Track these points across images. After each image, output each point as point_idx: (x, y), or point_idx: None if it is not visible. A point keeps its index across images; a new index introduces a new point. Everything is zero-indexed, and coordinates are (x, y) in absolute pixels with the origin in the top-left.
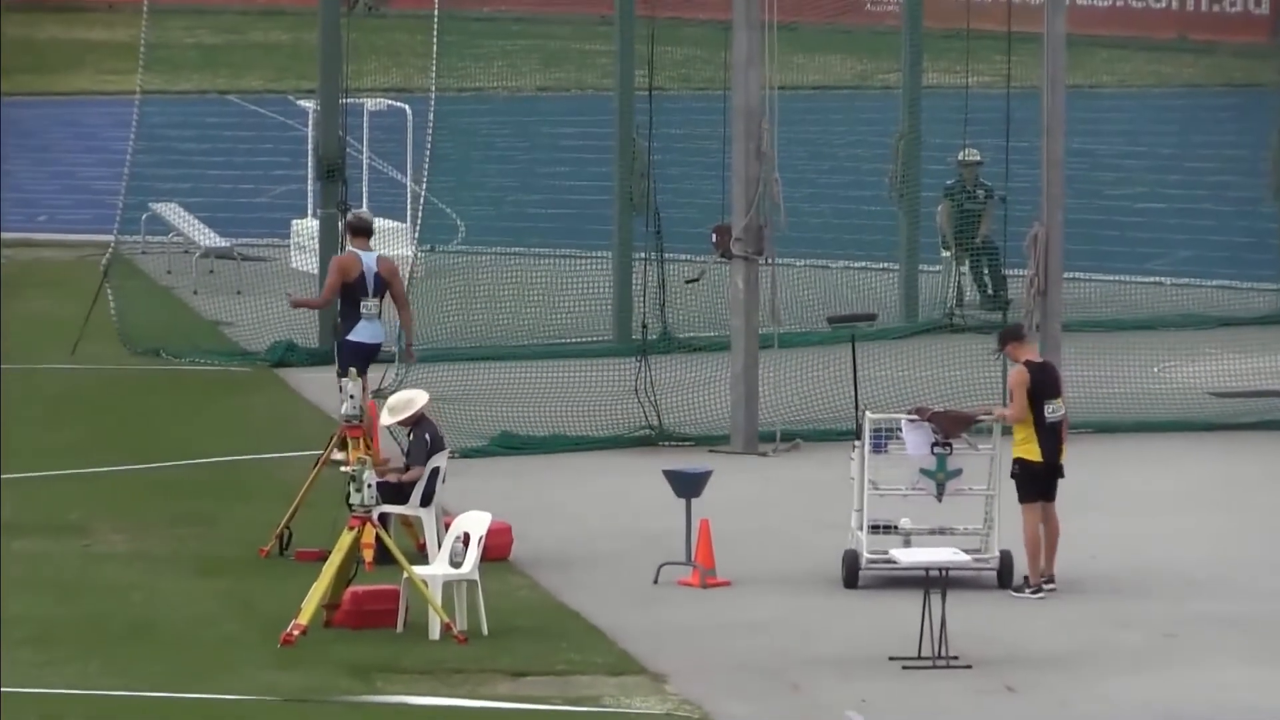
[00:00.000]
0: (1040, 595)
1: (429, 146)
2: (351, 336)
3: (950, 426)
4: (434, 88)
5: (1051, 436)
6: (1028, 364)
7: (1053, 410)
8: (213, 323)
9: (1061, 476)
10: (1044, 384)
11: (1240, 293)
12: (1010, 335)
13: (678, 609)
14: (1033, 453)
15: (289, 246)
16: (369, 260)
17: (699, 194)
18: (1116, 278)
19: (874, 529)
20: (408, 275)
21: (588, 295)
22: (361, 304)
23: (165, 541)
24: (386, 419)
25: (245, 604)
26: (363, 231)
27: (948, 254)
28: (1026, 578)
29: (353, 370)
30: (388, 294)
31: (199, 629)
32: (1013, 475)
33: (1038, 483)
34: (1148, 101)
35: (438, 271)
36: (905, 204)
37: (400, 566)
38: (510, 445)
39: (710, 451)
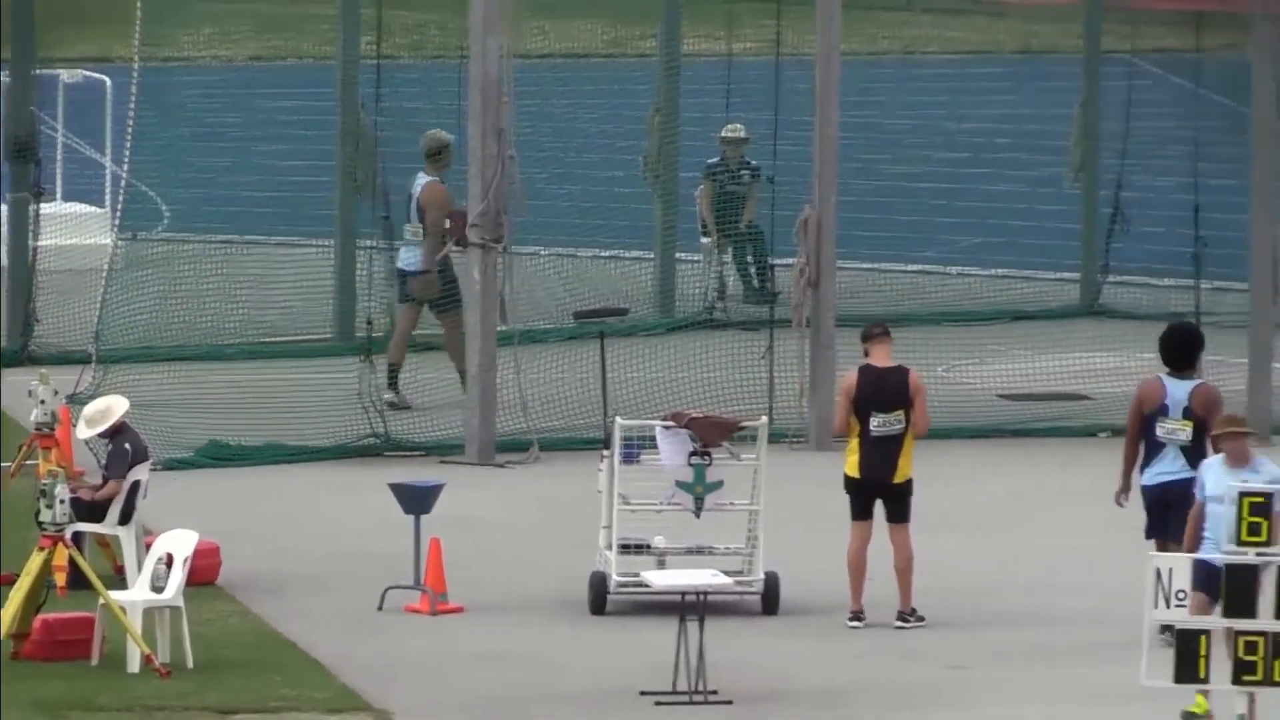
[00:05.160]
0: (859, 625)
1: (131, 123)
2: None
3: (710, 434)
4: (136, 57)
5: (876, 450)
6: (863, 369)
7: (880, 423)
8: None
9: (897, 496)
10: (876, 393)
11: (1037, 283)
12: (863, 336)
13: (405, 638)
14: (851, 466)
15: None
16: (414, 187)
17: None
18: (894, 266)
19: (624, 548)
20: (106, 267)
21: (307, 288)
22: (405, 228)
23: None
24: (83, 431)
25: None
26: (426, 152)
27: (708, 241)
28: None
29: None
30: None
31: None
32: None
33: (858, 499)
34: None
35: (141, 262)
36: (661, 185)
37: (96, 591)
38: (219, 456)
39: (442, 463)
